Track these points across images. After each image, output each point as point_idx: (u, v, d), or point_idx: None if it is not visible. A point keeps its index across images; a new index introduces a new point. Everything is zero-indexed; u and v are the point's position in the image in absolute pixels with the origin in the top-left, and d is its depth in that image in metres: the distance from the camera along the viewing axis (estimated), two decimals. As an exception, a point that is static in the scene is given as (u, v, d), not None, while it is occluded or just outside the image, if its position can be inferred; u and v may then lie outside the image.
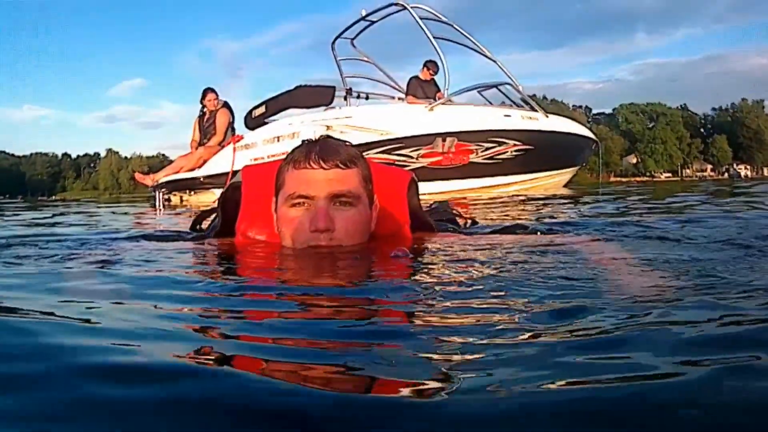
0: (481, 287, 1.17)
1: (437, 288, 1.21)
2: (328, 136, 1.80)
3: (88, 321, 0.95)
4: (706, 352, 0.73)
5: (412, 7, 10.11)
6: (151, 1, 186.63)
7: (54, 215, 5.99)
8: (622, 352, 0.75)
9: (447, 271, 1.43)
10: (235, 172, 2.07)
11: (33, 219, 5.18)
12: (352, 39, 11.84)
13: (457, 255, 1.65)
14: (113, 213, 6.51)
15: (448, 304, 1.05)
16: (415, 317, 1.00)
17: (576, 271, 1.31)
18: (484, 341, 0.80)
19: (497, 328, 0.87)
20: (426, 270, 1.50)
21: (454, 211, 2.49)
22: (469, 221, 2.52)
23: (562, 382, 0.65)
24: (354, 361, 0.75)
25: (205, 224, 2.29)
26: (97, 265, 1.60)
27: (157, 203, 9.63)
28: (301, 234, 1.66)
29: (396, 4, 10.41)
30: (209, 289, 1.28)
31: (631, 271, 1.33)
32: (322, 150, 1.69)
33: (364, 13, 10.99)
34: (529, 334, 0.83)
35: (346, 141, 1.81)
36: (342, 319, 1.01)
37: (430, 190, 8.67)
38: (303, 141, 1.78)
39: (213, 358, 0.78)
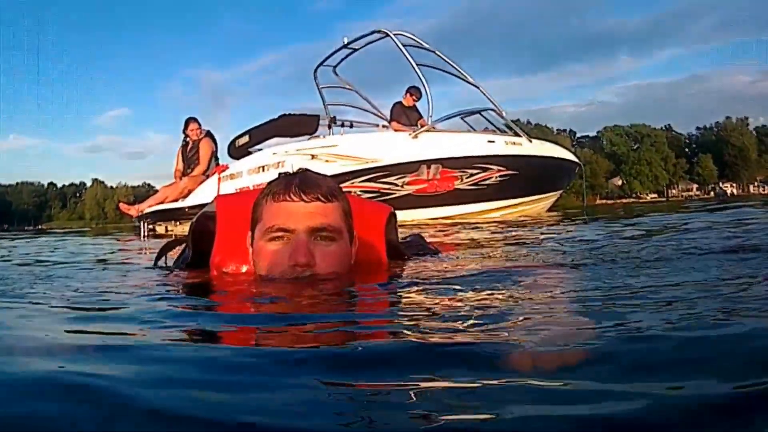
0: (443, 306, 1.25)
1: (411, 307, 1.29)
2: (306, 169, 1.75)
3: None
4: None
5: (394, 35, 10.16)
6: (135, 31, 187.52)
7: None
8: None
9: (417, 294, 1.44)
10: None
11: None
12: (334, 67, 11.88)
13: (426, 281, 1.65)
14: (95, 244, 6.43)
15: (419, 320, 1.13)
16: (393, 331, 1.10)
17: (530, 298, 1.34)
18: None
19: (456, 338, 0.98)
20: (401, 294, 1.51)
21: (430, 246, 2.48)
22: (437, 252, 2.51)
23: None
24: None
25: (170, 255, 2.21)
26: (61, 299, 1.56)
27: (141, 233, 9.57)
28: (280, 268, 1.60)
29: (378, 32, 10.48)
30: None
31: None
32: (302, 182, 1.65)
33: (346, 41, 11.01)
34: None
35: (324, 174, 1.78)
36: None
37: (416, 218, 8.68)
38: (280, 174, 1.74)
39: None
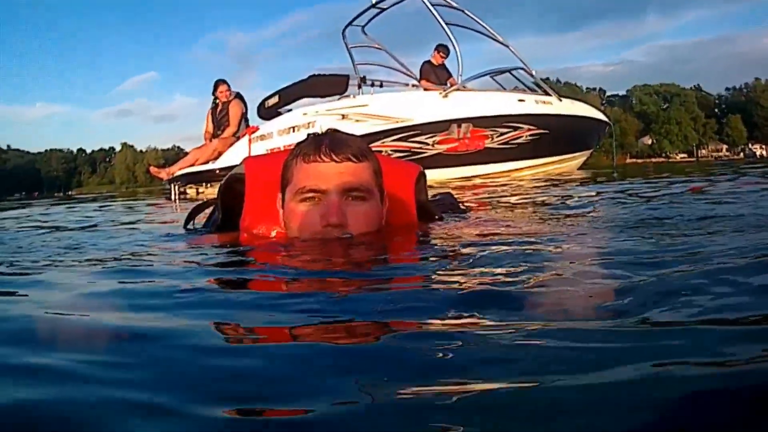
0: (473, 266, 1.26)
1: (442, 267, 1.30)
2: (335, 129, 1.75)
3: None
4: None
5: (422, -6, 10.04)
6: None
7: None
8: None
9: (446, 253, 1.47)
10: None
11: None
12: (363, 26, 11.73)
13: (456, 239, 1.68)
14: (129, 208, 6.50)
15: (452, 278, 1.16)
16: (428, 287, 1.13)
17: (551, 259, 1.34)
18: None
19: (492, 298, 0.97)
20: (432, 252, 1.53)
21: (460, 205, 2.48)
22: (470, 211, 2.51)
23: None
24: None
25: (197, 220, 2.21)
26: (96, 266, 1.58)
27: (172, 196, 9.62)
28: (312, 229, 1.61)
29: (406, -9, 10.35)
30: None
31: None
32: (332, 143, 1.65)
33: (374, 0, 10.91)
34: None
35: (354, 134, 1.78)
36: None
37: (446, 176, 8.66)
38: (308, 135, 1.73)
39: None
